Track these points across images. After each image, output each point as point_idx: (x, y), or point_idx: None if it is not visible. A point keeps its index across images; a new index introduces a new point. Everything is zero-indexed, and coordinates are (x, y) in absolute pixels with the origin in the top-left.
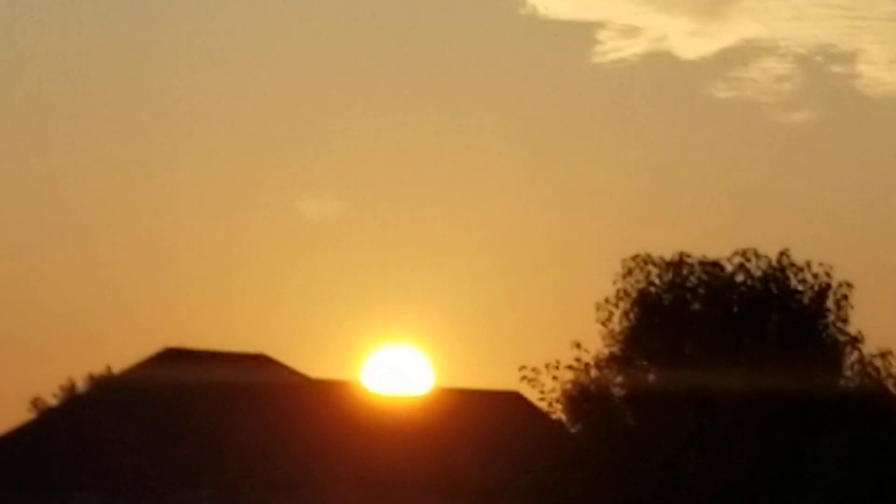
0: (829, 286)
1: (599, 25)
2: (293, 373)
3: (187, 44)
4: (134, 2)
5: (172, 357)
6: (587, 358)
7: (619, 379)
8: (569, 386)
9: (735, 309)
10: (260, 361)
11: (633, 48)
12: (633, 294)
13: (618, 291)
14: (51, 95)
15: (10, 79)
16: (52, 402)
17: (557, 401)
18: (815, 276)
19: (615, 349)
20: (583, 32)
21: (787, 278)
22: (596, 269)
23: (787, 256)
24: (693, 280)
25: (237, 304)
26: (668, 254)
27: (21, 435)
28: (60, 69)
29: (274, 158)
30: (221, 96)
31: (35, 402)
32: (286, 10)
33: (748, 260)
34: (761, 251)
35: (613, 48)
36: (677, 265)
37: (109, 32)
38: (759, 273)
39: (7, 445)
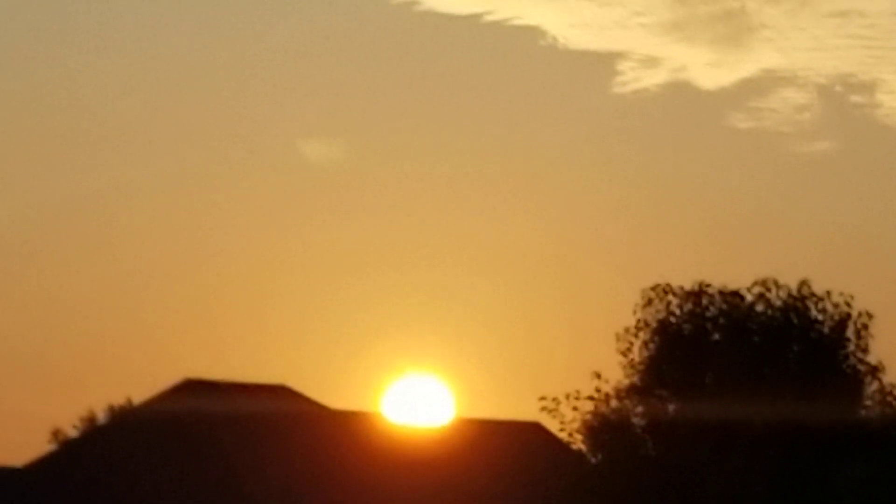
0: (849, 316)
1: (620, 56)
2: (314, 403)
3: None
4: None
5: (192, 388)
6: (607, 388)
7: (639, 409)
8: (589, 416)
9: (755, 339)
10: (280, 392)
11: (653, 78)
12: (654, 324)
13: (638, 321)
14: (74, 115)
15: (31, 102)
16: (73, 433)
17: (578, 431)
18: (836, 305)
19: (635, 379)
20: (603, 63)
21: (808, 308)
22: (616, 299)
23: (808, 286)
24: (713, 310)
25: (257, 335)
26: (688, 284)
27: (41, 466)
28: (84, 92)
29: (302, 193)
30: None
31: (55, 434)
32: (317, 47)
33: (768, 290)
34: (781, 281)
35: (634, 78)
36: (697, 295)
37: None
38: (779, 303)
39: (27, 477)
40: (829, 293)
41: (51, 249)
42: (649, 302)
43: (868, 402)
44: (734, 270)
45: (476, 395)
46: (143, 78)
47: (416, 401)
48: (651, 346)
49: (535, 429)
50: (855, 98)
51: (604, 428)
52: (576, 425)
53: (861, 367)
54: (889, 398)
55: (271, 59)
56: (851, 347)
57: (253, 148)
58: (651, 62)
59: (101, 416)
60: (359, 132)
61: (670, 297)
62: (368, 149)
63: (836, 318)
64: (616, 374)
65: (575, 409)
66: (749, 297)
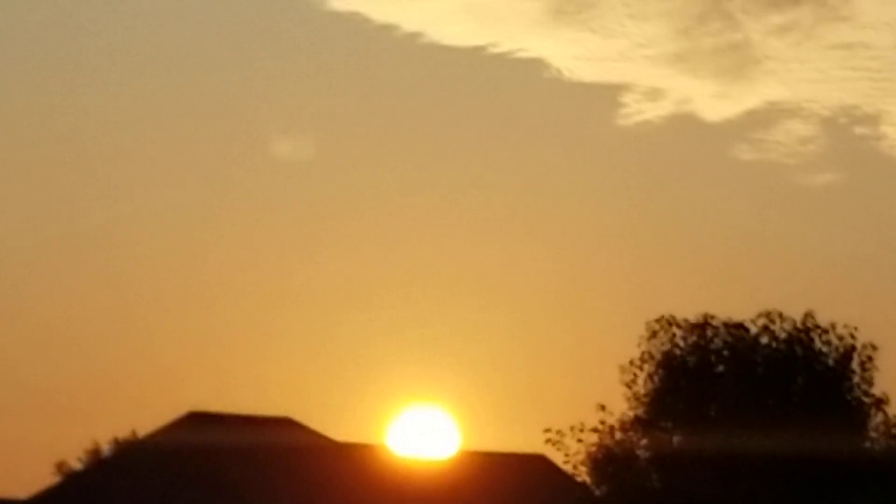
0: (853, 348)
1: (624, 88)
2: (318, 436)
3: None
4: None
5: (197, 421)
6: (612, 420)
7: (643, 441)
8: (593, 448)
9: (760, 371)
10: (285, 425)
11: (657, 110)
12: (658, 356)
13: (642, 354)
14: (76, 143)
15: (27, 117)
16: (77, 465)
17: (582, 463)
18: (840, 337)
19: (640, 411)
20: (607, 95)
21: (812, 340)
22: (620, 331)
23: (812, 318)
24: (717, 342)
25: (262, 367)
26: (693, 316)
27: (46, 499)
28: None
29: (306, 223)
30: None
31: (60, 466)
32: (319, 78)
33: (772, 322)
34: (786, 313)
35: (638, 111)
36: (702, 327)
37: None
38: (783, 335)
39: None
40: (833, 325)
41: (55, 281)
42: (654, 334)
43: (872, 434)
44: (738, 302)
45: (481, 427)
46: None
47: (421, 433)
48: (655, 378)
49: (540, 461)
50: (859, 130)
51: (608, 460)
52: (580, 457)
53: (865, 399)
54: (894, 430)
55: (273, 93)
56: (856, 379)
57: (263, 175)
58: (655, 94)
59: (106, 449)
60: (364, 164)
61: (675, 329)
62: (375, 179)
63: (841, 349)
64: (620, 406)
65: (579, 441)
66: (753, 329)
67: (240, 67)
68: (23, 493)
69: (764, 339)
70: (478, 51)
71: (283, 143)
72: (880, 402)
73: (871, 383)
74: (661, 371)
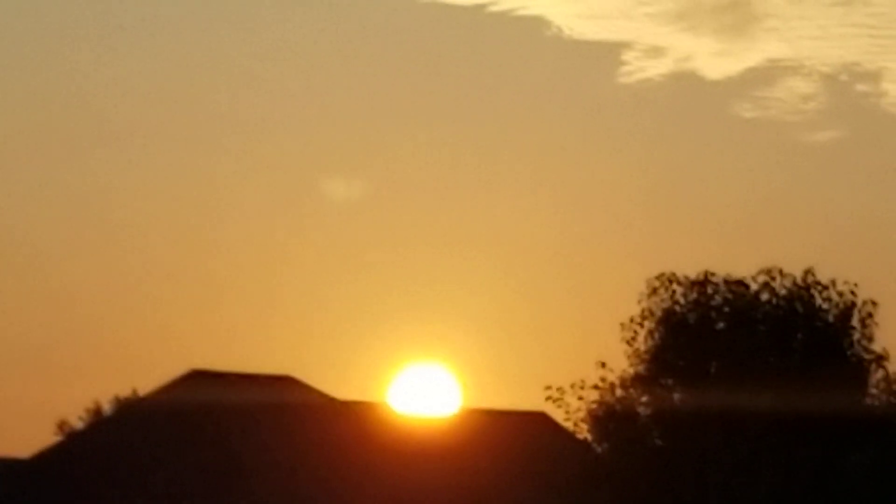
0: (854, 304)
1: (625, 46)
2: (319, 394)
3: (220, 64)
4: None
5: (198, 379)
6: (612, 378)
7: (644, 398)
8: (594, 406)
9: (760, 328)
10: (286, 383)
11: (658, 68)
12: (658, 313)
13: (643, 311)
14: (77, 102)
15: (29, 83)
16: (79, 424)
17: (583, 420)
18: (840, 294)
19: (640, 369)
20: (608, 53)
21: (812, 297)
22: (620, 288)
23: (812, 275)
24: (718, 299)
25: (263, 326)
26: (693, 273)
27: (47, 458)
28: (87, 76)
29: (307, 178)
30: (260, 112)
31: (61, 425)
32: (326, 43)
33: (773, 278)
34: (786, 270)
35: (639, 68)
36: (702, 284)
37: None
38: (783, 292)
39: (33, 468)
40: (833, 282)
41: (56, 241)
42: (654, 291)
43: (873, 391)
44: (739, 259)
45: (482, 384)
46: (159, 84)
47: (422, 391)
48: (656, 335)
49: (541, 418)
50: (860, 87)
51: (609, 417)
52: (581, 415)
53: (866, 356)
54: (894, 386)
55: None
56: (856, 336)
57: (256, 130)
58: (656, 52)
59: (108, 408)
60: (361, 120)
61: (675, 286)
62: (372, 136)
63: (841, 306)
64: (621, 364)
65: (580, 398)
66: (754, 286)
67: None
68: (24, 451)
69: (764, 296)
70: (478, 9)
71: (271, 83)
72: (880, 359)
73: (871, 340)
74: (661, 328)
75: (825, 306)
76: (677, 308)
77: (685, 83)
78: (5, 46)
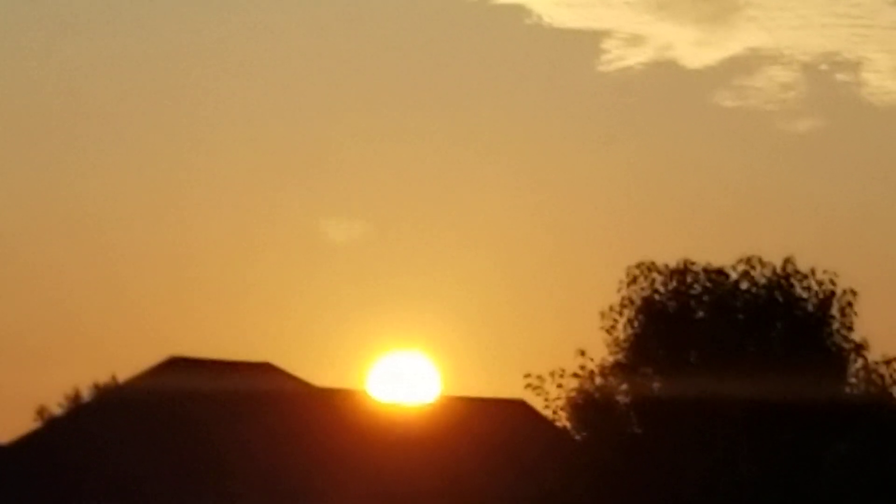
0: (833, 293)
1: (605, 34)
2: (298, 381)
3: (206, 50)
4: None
5: (177, 366)
6: (592, 366)
7: (623, 387)
8: (574, 394)
9: (739, 316)
10: (265, 370)
11: (638, 57)
12: (638, 302)
13: (622, 299)
14: (59, 95)
15: (13, 78)
16: (58, 411)
17: (562, 409)
18: (820, 283)
19: (620, 357)
20: (588, 41)
21: (792, 286)
22: (600, 277)
23: (792, 264)
24: (697, 288)
25: (242, 312)
26: (673, 261)
27: (26, 444)
28: (68, 69)
29: (282, 167)
30: (233, 99)
31: (40, 412)
32: (308, 28)
33: (752, 267)
34: (766, 258)
35: (618, 57)
36: (682, 273)
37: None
38: (763, 280)
39: (12, 454)
40: (813, 271)
41: (35, 228)
42: (634, 280)
43: (852, 380)
44: (718, 248)
45: (461, 372)
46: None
47: (401, 378)
48: (635, 323)
49: (520, 406)
50: (840, 76)
51: (588, 405)
52: (560, 403)
53: (845, 345)
54: (873, 376)
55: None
56: (836, 325)
57: (234, 112)
58: (636, 40)
59: (87, 394)
60: (342, 104)
61: (655, 274)
62: (353, 120)
63: (821, 295)
64: (601, 352)
65: (559, 386)
66: (733, 275)
67: None
68: (3, 438)
69: (744, 285)
70: None
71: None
72: (860, 348)
73: (850, 329)
74: (640, 316)
75: (805, 295)
76: (657, 297)
77: (665, 72)
78: None
